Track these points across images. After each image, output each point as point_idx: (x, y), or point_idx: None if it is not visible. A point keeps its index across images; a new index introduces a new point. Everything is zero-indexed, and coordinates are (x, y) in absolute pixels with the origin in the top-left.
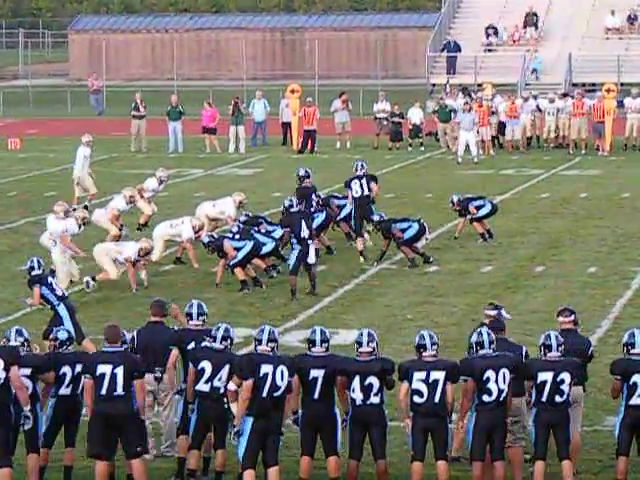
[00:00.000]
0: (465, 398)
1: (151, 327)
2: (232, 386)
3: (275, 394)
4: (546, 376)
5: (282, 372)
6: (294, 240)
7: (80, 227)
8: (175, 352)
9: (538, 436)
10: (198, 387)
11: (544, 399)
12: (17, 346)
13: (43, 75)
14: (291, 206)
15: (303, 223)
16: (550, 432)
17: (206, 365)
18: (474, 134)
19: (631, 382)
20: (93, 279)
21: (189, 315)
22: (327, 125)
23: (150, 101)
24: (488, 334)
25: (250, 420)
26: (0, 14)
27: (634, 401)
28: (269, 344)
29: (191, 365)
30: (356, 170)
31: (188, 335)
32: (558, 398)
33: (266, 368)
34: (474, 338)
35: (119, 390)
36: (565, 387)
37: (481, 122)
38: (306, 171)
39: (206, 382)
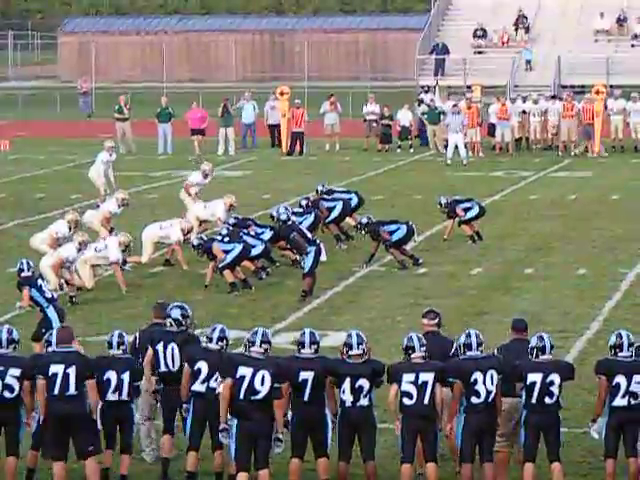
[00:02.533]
0: (453, 400)
1: (151, 329)
2: (219, 386)
3: (253, 397)
4: (536, 377)
5: (263, 377)
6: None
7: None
8: (150, 352)
9: (528, 438)
10: (194, 387)
11: (534, 400)
12: None
13: (32, 77)
14: (287, 219)
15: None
16: (539, 434)
17: (202, 366)
18: (462, 136)
19: (614, 383)
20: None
21: (169, 317)
22: (316, 127)
23: (140, 103)
24: (477, 336)
25: (235, 421)
26: None
27: (618, 402)
28: (262, 346)
29: (187, 366)
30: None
31: (157, 336)
32: (548, 400)
33: (244, 370)
34: (462, 340)
35: (71, 390)
36: (555, 389)
37: (470, 124)
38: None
39: (202, 382)
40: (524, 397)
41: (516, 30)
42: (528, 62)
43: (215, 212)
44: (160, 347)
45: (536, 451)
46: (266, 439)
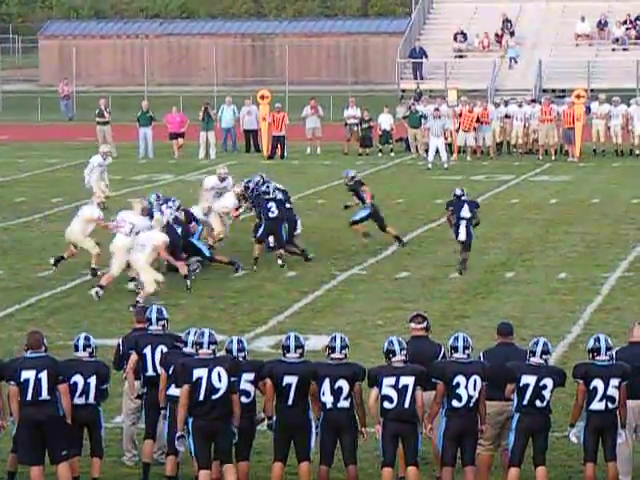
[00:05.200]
0: (434, 401)
1: (136, 334)
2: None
3: (214, 396)
4: (529, 379)
5: (219, 373)
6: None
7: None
8: (134, 357)
9: (517, 442)
10: (170, 392)
11: (525, 402)
12: None
13: (13, 81)
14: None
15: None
16: (529, 439)
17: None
18: (443, 140)
19: (591, 387)
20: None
21: (149, 320)
22: (297, 131)
23: (120, 107)
24: (464, 339)
25: (190, 420)
26: None
27: (595, 406)
28: (210, 347)
29: (163, 370)
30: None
31: (143, 340)
32: (538, 403)
33: (199, 372)
34: (449, 342)
35: (44, 395)
36: (547, 393)
37: (467, 128)
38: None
39: (177, 387)
40: (515, 399)
41: (502, 34)
42: (513, 60)
43: (226, 204)
44: (148, 351)
45: (523, 455)
46: (225, 434)
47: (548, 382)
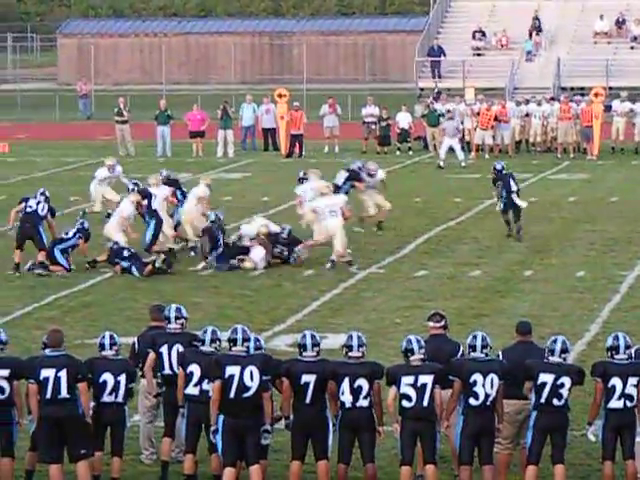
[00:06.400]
0: (451, 398)
1: (152, 332)
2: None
3: (245, 395)
4: (547, 378)
5: (251, 372)
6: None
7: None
8: (152, 355)
9: (534, 440)
10: (187, 391)
11: (543, 401)
12: None
13: (32, 79)
14: None
15: None
16: (546, 437)
17: (194, 368)
18: (458, 139)
19: (609, 385)
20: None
21: (167, 319)
22: (315, 129)
23: (138, 105)
24: (483, 338)
25: (221, 418)
26: None
27: (613, 404)
28: (244, 344)
29: (180, 369)
30: None
31: (160, 339)
32: (556, 401)
33: (232, 369)
34: (468, 340)
35: (63, 393)
36: (564, 391)
37: (485, 125)
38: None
39: (195, 385)
40: (533, 398)
41: (530, 34)
42: (529, 53)
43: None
44: (164, 349)
45: (541, 453)
46: (254, 434)
47: (566, 381)
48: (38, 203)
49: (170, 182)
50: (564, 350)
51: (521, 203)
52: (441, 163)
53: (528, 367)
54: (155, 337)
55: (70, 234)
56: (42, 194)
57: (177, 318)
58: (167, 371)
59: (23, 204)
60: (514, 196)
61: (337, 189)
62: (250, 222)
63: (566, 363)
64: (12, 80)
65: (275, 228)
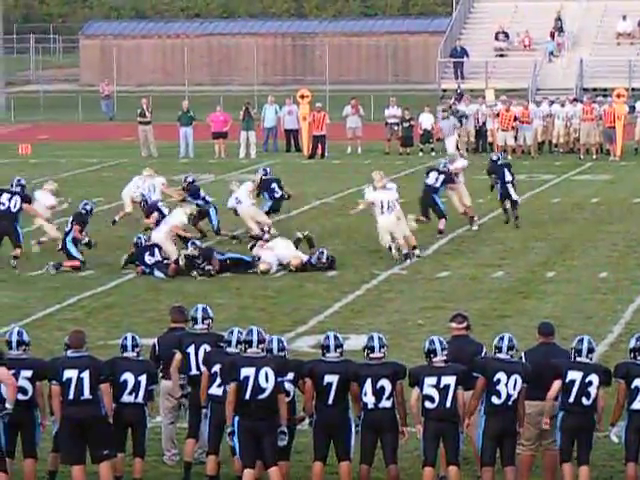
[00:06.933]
0: (473, 396)
1: (172, 333)
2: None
3: (260, 396)
4: (575, 375)
5: (266, 374)
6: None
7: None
8: (178, 356)
9: (563, 440)
10: (211, 391)
11: (571, 400)
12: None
13: (54, 80)
14: None
15: None
16: (574, 436)
17: (219, 369)
18: (455, 138)
19: (633, 386)
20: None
21: (194, 319)
22: (338, 130)
23: (161, 106)
24: (510, 340)
25: (237, 419)
26: (11, 19)
27: (636, 406)
28: (260, 346)
29: (205, 369)
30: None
31: (187, 340)
32: (585, 400)
33: (247, 371)
34: (494, 342)
35: (86, 394)
36: (592, 390)
37: (505, 127)
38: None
39: (219, 386)
40: (560, 397)
41: (552, 35)
42: (551, 54)
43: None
44: (191, 350)
45: (572, 451)
46: (270, 436)
47: (594, 379)
48: (10, 199)
49: (192, 188)
50: (591, 350)
51: (515, 196)
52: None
53: (555, 366)
54: (182, 338)
55: (69, 225)
56: (18, 184)
57: (204, 319)
58: (194, 372)
59: None
60: (509, 186)
61: (432, 190)
62: (274, 246)
63: (593, 362)
64: (35, 81)
65: (304, 257)
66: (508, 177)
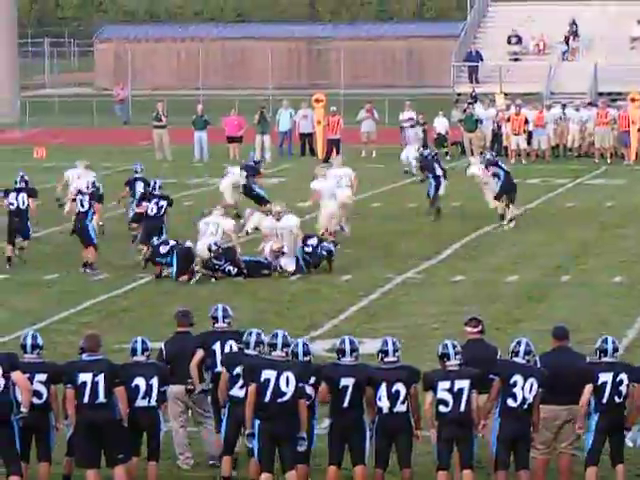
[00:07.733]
0: (488, 398)
1: (179, 338)
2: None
3: (280, 400)
4: (606, 377)
5: (287, 378)
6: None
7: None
8: (200, 352)
9: (596, 441)
10: (232, 392)
11: (605, 400)
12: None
13: (69, 84)
14: None
15: None
16: (606, 438)
17: (241, 371)
18: (414, 148)
19: None
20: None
21: (214, 318)
22: (352, 134)
23: (175, 110)
24: (527, 344)
25: (257, 422)
26: (26, 23)
27: None
28: (284, 349)
29: (225, 370)
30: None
31: (211, 337)
32: (617, 399)
33: (268, 374)
34: (511, 346)
35: (101, 398)
36: (623, 388)
37: (516, 131)
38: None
39: (241, 387)
40: (593, 400)
41: (567, 39)
42: (564, 53)
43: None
44: (217, 347)
45: (601, 454)
46: (289, 440)
47: (624, 377)
48: (17, 197)
49: (249, 168)
50: (616, 349)
51: (443, 189)
52: (406, 169)
53: (586, 370)
54: (206, 336)
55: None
56: (22, 180)
57: (224, 317)
58: (219, 369)
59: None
60: (441, 179)
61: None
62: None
63: (620, 361)
64: (49, 85)
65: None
66: (439, 171)
